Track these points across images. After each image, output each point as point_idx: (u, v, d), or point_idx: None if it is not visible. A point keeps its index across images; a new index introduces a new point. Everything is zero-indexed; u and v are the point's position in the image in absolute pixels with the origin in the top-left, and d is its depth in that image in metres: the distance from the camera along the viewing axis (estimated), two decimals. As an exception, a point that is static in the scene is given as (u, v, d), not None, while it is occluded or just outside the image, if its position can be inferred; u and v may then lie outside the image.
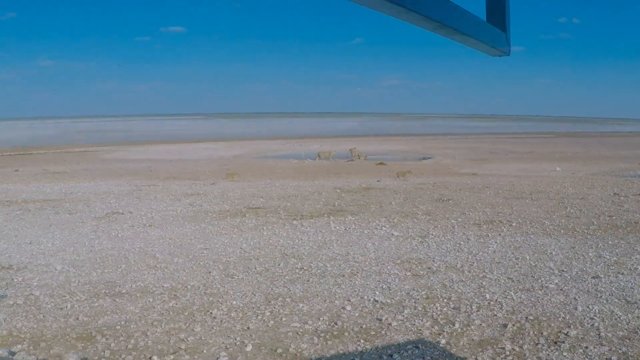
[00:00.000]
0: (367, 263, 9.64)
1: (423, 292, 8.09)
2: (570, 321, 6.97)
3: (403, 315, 7.21)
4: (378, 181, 20.20)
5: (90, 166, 26.60)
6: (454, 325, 6.90)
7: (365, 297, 7.90)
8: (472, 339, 6.49)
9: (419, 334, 6.65)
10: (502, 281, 8.59)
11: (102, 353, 6.25)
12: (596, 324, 6.85)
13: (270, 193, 17.27)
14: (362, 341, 6.47)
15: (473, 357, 6.06)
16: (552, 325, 6.86)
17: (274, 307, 7.55)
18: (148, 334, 6.74)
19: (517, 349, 6.21)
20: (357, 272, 9.09)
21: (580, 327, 6.78)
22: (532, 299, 7.77)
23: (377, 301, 7.74)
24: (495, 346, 6.29)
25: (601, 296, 7.86)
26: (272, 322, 7.08)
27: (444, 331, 6.72)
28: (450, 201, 15.75)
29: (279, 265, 9.57)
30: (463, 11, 1.71)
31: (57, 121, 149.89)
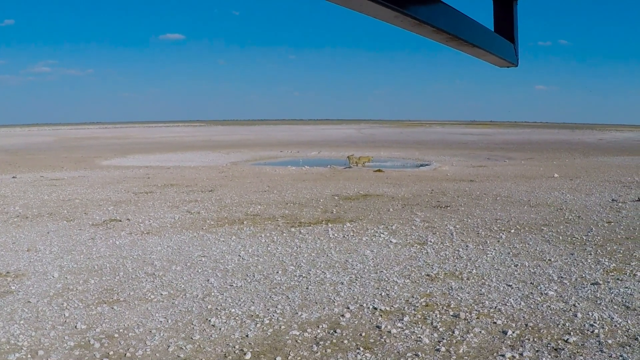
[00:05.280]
0: (365, 270, 9.62)
1: (422, 300, 8.08)
2: (570, 328, 6.96)
3: (402, 323, 7.20)
4: (376, 188, 20.19)
5: (88, 173, 26.55)
6: (453, 332, 6.88)
7: (365, 305, 7.88)
8: (472, 347, 6.48)
9: (418, 342, 6.63)
10: (502, 288, 8.58)
11: (100, 361, 6.24)
12: (596, 331, 6.84)
13: (268, 200, 17.24)
14: (361, 349, 6.45)
15: (473, 364, 6.04)
16: (552, 332, 6.85)
17: (273, 315, 7.54)
18: (147, 342, 6.72)
19: (517, 356, 6.19)
20: (356, 280, 9.08)
21: (580, 334, 6.77)
22: (532, 306, 7.76)
23: (376, 309, 7.72)
24: (495, 354, 6.27)
25: (600, 303, 7.86)
26: (271, 330, 7.06)
27: (443, 339, 6.70)
28: (449, 208, 15.74)
29: (278, 272, 9.55)
30: (473, 22, 1.69)
31: (54, 128, 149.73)
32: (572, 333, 6.80)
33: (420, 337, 6.75)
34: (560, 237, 11.95)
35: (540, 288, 8.55)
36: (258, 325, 7.22)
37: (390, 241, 11.66)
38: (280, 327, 7.16)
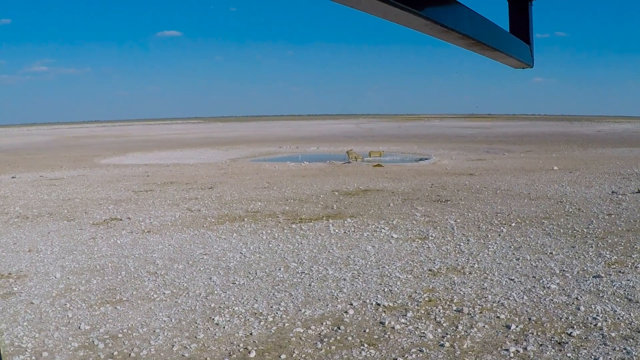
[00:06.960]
0: (367, 266, 9.62)
1: (425, 295, 8.08)
2: (573, 321, 6.97)
3: (406, 319, 7.20)
4: (375, 183, 20.19)
5: (87, 172, 26.52)
6: (457, 327, 6.89)
7: (368, 301, 7.89)
8: (476, 342, 6.48)
9: (422, 337, 6.64)
10: (504, 282, 8.58)
11: (105, 362, 6.24)
12: (599, 324, 6.85)
13: (268, 197, 17.24)
14: (365, 345, 6.46)
15: (477, 359, 6.05)
16: (556, 326, 6.86)
17: (277, 313, 7.54)
18: (151, 342, 6.72)
19: (522, 350, 6.20)
20: (359, 276, 9.08)
21: (583, 328, 6.78)
22: (535, 300, 7.76)
23: (379, 305, 7.73)
24: (499, 348, 6.28)
25: (603, 296, 7.86)
26: (274, 327, 7.06)
27: (447, 334, 6.71)
28: (449, 202, 15.74)
29: (280, 269, 9.55)
30: (494, 26, 1.68)
31: (52, 127, 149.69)
32: (575, 326, 6.81)
33: (424, 333, 6.76)
34: (561, 230, 11.96)
35: (543, 281, 8.56)
36: (262, 323, 7.22)
37: (392, 236, 11.66)
38: (284, 324, 7.17)
